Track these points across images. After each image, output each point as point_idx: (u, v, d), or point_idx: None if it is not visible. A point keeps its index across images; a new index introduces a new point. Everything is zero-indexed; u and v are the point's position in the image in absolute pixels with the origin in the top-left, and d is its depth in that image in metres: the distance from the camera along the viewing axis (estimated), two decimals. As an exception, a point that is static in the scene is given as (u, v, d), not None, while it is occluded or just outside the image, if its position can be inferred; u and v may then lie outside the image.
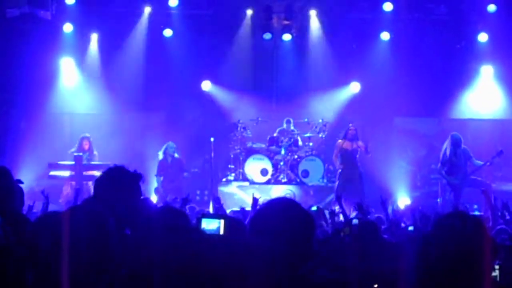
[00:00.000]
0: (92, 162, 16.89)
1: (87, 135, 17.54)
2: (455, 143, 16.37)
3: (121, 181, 5.04)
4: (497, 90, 19.44)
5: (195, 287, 3.15)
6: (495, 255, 4.22)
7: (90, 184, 16.15)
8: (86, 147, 17.27)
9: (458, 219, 4.12)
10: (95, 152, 17.35)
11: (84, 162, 16.59)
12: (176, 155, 17.85)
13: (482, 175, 16.69)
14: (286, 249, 3.60)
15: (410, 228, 9.39)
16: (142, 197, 5.86)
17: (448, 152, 16.40)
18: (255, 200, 10.83)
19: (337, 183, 16.95)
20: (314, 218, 3.83)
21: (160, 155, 17.77)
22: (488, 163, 16.37)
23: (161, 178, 17.52)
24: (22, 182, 6.66)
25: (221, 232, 5.00)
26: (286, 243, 3.61)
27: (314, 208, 11.77)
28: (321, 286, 3.72)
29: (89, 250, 3.35)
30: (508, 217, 10.98)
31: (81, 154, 16.73)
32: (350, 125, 17.08)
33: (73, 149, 17.25)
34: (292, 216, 3.69)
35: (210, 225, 5.13)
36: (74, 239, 3.30)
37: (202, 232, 4.51)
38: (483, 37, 18.71)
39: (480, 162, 16.44)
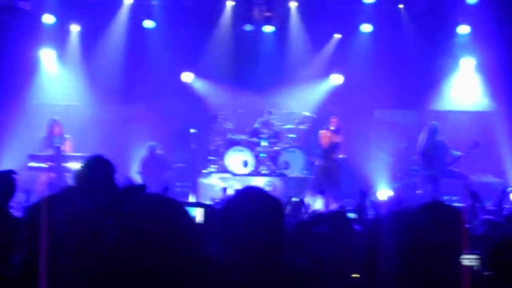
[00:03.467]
0: (76, 154, 16.66)
1: (55, 117, 17.17)
2: (433, 132, 16.41)
3: (100, 170, 5.03)
4: (477, 82, 19.51)
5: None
6: (468, 245, 4.25)
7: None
8: (57, 130, 17.02)
9: (432, 211, 4.14)
10: (67, 136, 17.09)
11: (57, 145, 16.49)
12: (158, 151, 17.82)
13: (461, 166, 16.74)
14: (257, 237, 3.61)
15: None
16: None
17: (425, 143, 16.45)
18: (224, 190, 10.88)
19: (314, 175, 17.04)
20: (281, 204, 3.84)
21: (143, 153, 17.73)
22: (464, 154, 16.41)
23: (142, 176, 17.46)
24: (16, 173, 6.57)
25: (198, 220, 4.97)
26: (256, 231, 3.62)
27: (295, 199, 11.79)
28: (300, 275, 3.73)
29: (68, 239, 3.35)
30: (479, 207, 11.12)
31: (60, 143, 16.60)
32: (334, 118, 17.09)
33: (43, 134, 17.05)
34: (259, 204, 3.70)
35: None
36: (53, 228, 3.30)
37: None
38: (464, 29, 18.78)
39: (457, 153, 16.49)
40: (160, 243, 3.11)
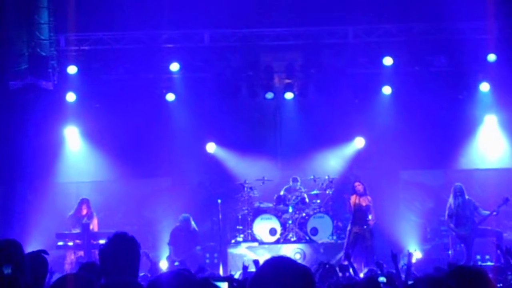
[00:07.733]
0: (102, 230, 16.71)
1: (86, 197, 17.49)
2: (458, 193, 16.35)
3: (124, 247, 5.05)
4: (501, 139, 19.41)
5: None
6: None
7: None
8: (84, 211, 17.13)
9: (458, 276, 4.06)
10: (94, 214, 17.21)
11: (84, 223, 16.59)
12: (193, 225, 17.67)
13: (492, 224, 16.58)
14: None
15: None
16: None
17: (453, 204, 16.36)
18: (256, 263, 10.84)
19: (346, 240, 16.90)
20: (310, 273, 3.77)
21: (176, 224, 17.65)
22: (494, 212, 16.29)
23: (172, 247, 17.40)
24: (47, 253, 6.52)
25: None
26: None
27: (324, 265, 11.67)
28: None
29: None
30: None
31: (87, 221, 16.67)
32: (357, 183, 17.08)
33: (70, 212, 17.18)
34: (286, 275, 3.63)
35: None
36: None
37: None
38: (484, 87, 18.72)
39: (486, 212, 16.37)
40: None
